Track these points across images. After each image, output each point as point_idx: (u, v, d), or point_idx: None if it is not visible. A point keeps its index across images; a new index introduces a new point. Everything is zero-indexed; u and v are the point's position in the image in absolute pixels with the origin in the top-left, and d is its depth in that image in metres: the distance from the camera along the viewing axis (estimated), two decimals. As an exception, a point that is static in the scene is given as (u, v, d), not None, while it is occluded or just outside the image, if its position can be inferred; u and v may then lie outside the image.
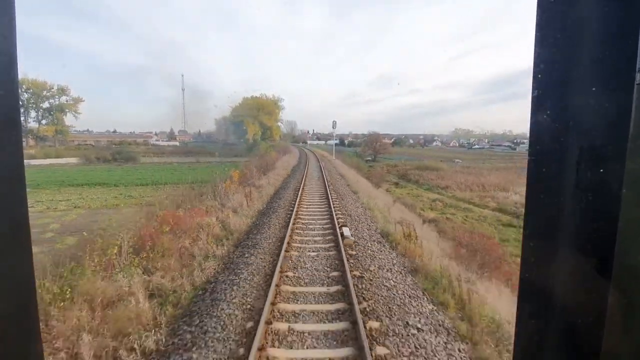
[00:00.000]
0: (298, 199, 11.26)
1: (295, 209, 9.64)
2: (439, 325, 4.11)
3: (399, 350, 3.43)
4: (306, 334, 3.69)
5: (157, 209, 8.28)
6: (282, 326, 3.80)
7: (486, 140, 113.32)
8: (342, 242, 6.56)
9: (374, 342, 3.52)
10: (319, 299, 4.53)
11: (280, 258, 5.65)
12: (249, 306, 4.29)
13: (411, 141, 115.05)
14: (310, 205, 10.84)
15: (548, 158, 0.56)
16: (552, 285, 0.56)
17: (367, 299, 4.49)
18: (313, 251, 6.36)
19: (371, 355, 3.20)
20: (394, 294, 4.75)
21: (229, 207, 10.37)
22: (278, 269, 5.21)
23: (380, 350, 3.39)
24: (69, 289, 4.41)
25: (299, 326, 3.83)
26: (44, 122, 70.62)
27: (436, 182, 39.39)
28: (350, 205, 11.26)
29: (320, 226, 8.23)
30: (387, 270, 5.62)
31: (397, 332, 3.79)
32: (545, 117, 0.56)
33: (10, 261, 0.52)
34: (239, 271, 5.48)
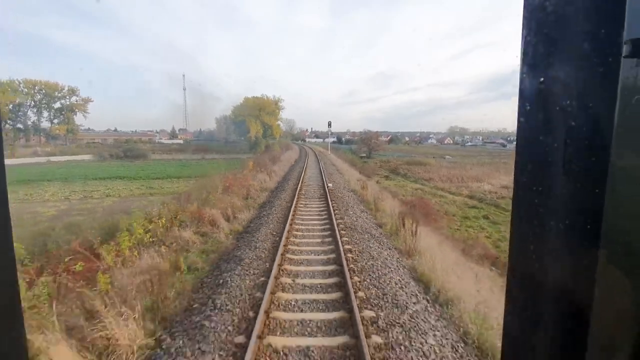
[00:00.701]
0: (302, 175, 18.12)
1: (301, 179, 16.50)
2: (362, 209, 10.89)
3: (340, 206, 10.29)
4: (310, 206, 10.50)
5: (228, 176, 15.11)
6: (302, 206, 10.63)
7: (480, 138, 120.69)
8: (327, 188, 13.37)
9: (333, 207, 10.29)
10: (315, 200, 11.44)
11: (297, 192, 12.49)
12: (287, 200, 11.25)
13: (407, 139, 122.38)
14: (310, 177, 17.77)
15: (535, 148, 0.58)
16: (541, 270, 0.58)
17: (334, 200, 11.41)
18: (313, 190, 13.27)
19: (331, 205, 9.93)
20: (346, 202, 11.58)
21: (258, 180, 17.12)
22: (297, 193, 12.05)
23: (335, 207, 10.17)
24: (211, 200, 11.12)
25: (308, 204, 10.67)
26: (55, 121, 75.67)
27: (422, 175, 45.62)
28: (335, 178, 18.17)
29: (316, 184, 15.21)
30: (347, 198, 12.46)
31: (343, 204, 10.68)
32: (531, 107, 0.58)
33: None
34: (279, 195, 12.47)
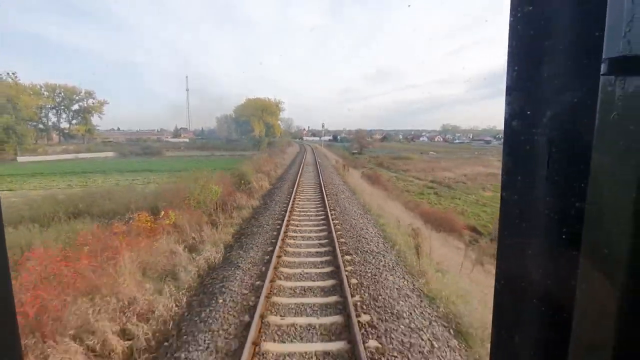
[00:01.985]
0: (303, 159, 31.60)
1: (303, 161, 30.01)
2: (333, 169, 24.28)
3: (323, 169, 23.89)
4: (309, 168, 24.01)
5: (265, 158, 28.58)
6: (305, 169, 24.18)
7: (471, 135, 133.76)
8: (318, 164, 26.81)
9: (319, 168, 23.65)
10: (311, 166, 25.15)
11: (302, 165, 26.10)
12: (297, 167, 24.88)
13: (400, 136, 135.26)
14: (309, 161, 31.41)
15: (521, 152, 0.63)
16: (526, 272, 0.63)
17: (321, 168, 24.94)
18: (310, 164, 26.99)
19: (318, 168, 23.32)
20: (325, 166, 25.26)
21: (277, 161, 30.43)
22: (302, 165, 25.66)
23: (320, 169, 23.63)
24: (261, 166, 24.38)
25: (309, 168, 24.34)
26: (74, 122, 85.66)
27: (402, 168, 58.42)
28: (324, 161, 31.67)
29: (312, 163, 28.94)
30: (327, 166, 26.09)
31: (324, 168, 24.27)
32: (517, 111, 0.63)
33: None
34: (291, 167, 26.32)
